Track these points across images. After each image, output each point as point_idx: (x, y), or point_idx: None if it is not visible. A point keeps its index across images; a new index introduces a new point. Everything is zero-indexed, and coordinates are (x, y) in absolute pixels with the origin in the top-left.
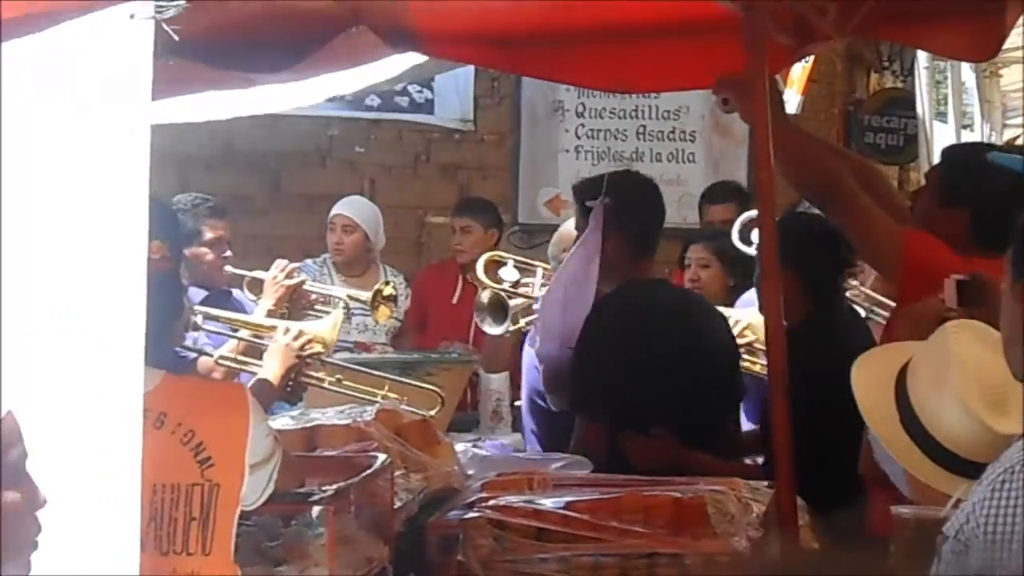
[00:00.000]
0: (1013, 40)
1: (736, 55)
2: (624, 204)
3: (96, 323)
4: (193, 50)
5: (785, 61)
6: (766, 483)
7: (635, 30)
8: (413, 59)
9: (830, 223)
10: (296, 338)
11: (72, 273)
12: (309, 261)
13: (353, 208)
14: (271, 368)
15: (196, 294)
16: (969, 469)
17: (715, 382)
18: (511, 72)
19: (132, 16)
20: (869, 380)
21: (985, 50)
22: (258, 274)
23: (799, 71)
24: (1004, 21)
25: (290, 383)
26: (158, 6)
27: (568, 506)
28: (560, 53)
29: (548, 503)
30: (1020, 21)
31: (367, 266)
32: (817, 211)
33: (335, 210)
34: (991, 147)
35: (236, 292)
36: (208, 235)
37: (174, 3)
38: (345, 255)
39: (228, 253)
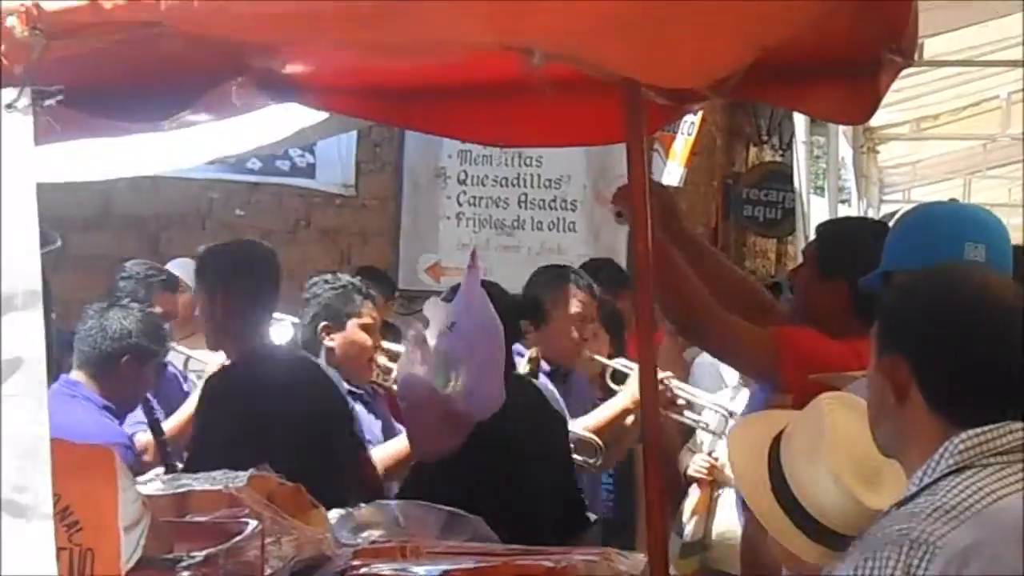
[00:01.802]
0: (892, 117)
1: (617, 112)
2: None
3: None
4: (73, 99)
5: (664, 120)
6: (642, 554)
7: (516, 85)
8: (295, 123)
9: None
10: None
11: None
12: None
13: (181, 269)
14: None
15: None
16: (839, 542)
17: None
18: (389, 124)
19: (9, 107)
20: (745, 447)
21: (860, 113)
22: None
23: (682, 144)
24: (878, 84)
25: None
26: (36, 92)
27: (441, 575)
28: (440, 106)
29: (421, 572)
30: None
31: (196, 327)
32: None
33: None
34: (863, 221)
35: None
36: (159, 309)
37: (54, 88)
38: (174, 316)
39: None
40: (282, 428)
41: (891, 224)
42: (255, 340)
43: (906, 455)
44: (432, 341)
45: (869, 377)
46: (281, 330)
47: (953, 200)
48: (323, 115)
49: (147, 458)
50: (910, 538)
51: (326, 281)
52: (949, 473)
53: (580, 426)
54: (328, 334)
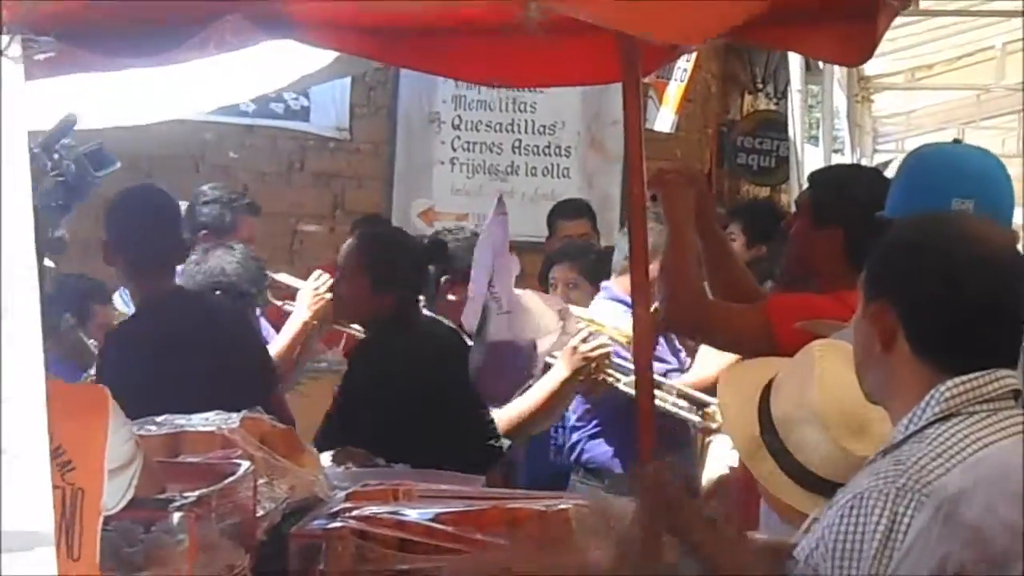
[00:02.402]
0: (887, 66)
1: (612, 52)
2: None
3: None
4: (64, 34)
5: (660, 61)
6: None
7: (511, 25)
8: (295, 71)
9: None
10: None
11: None
12: None
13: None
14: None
15: None
16: (826, 489)
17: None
18: (384, 61)
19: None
20: (736, 393)
21: (857, 55)
22: (293, 281)
23: (675, 90)
24: (875, 26)
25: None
26: (27, 41)
27: (433, 518)
28: (435, 45)
29: (413, 514)
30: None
31: None
32: None
33: None
34: (857, 168)
35: None
36: (243, 232)
37: (45, 40)
38: None
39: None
40: (187, 376)
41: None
42: (156, 288)
43: (892, 402)
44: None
45: (856, 324)
46: None
47: (956, 141)
48: (322, 62)
49: None
50: (896, 486)
51: (450, 231)
52: (935, 421)
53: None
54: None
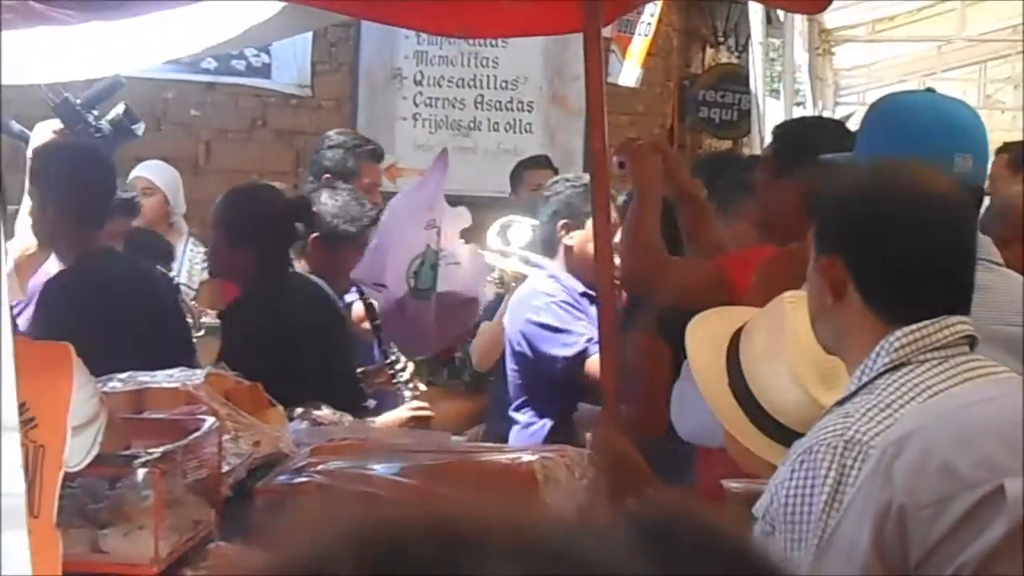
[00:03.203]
0: (848, 18)
1: (572, 2)
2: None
3: None
4: None
5: (619, 11)
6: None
7: None
8: (247, 20)
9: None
10: None
11: None
12: None
13: (152, 171)
14: None
15: None
16: (793, 439)
17: None
18: (344, 12)
19: None
20: (703, 342)
21: (816, 3)
22: None
23: (639, 45)
24: None
25: None
26: None
27: (398, 472)
28: None
29: (379, 468)
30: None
31: (167, 231)
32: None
33: (133, 173)
34: (820, 120)
35: None
36: (365, 179)
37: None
38: (145, 218)
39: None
40: (114, 335)
41: (865, 113)
42: (88, 245)
43: (847, 354)
44: None
45: (808, 276)
46: (519, 230)
47: (930, 90)
48: (274, 10)
49: (365, 325)
50: (844, 439)
51: (567, 180)
52: (885, 371)
53: None
54: (567, 232)
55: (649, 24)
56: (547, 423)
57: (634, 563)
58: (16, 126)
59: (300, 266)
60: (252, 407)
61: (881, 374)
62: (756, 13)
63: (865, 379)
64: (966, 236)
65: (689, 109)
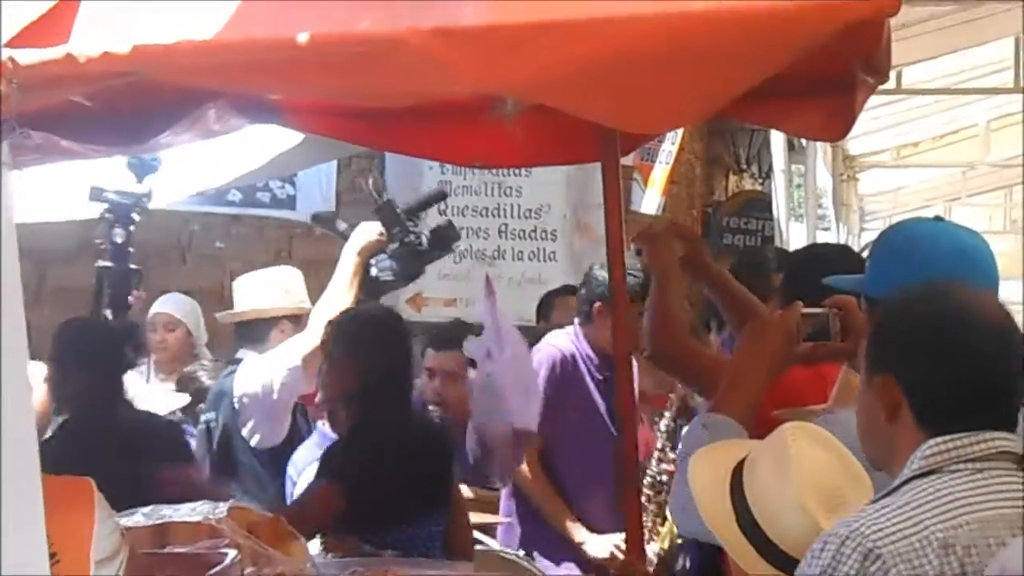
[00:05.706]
0: (872, 145)
1: (589, 131)
2: None
3: None
4: (50, 124)
5: (638, 142)
6: None
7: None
8: (272, 149)
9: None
10: None
11: None
12: None
13: (173, 305)
14: None
15: None
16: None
17: None
18: (366, 145)
19: None
20: (706, 476)
21: (837, 130)
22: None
23: (660, 173)
24: (853, 102)
25: None
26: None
27: None
28: (416, 128)
29: None
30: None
31: (191, 363)
32: None
33: (154, 308)
34: (825, 246)
35: None
36: None
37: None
38: (169, 352)
39: None
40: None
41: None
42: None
43: (896, 467)
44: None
45: (860, 395)
46: None
47: (938, 218)
48: (297, 140)
49: None
50: (849, 529)
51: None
52: (915, 477)
53: None
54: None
55: (670, 152)
56: None
57: None
58: (343, 224)
59: None
60: (275, 540)
61: (910, 479)
62: (778, 140)
63: (896, 483)
64: (1012, 354)
65: (713, 236)
